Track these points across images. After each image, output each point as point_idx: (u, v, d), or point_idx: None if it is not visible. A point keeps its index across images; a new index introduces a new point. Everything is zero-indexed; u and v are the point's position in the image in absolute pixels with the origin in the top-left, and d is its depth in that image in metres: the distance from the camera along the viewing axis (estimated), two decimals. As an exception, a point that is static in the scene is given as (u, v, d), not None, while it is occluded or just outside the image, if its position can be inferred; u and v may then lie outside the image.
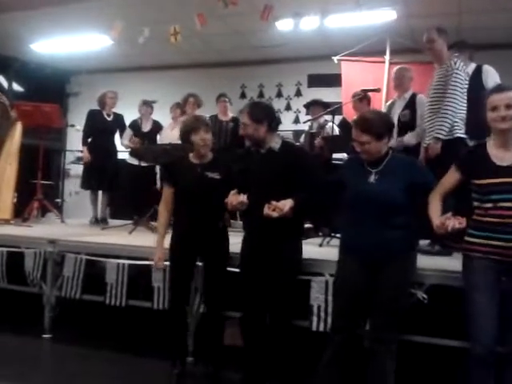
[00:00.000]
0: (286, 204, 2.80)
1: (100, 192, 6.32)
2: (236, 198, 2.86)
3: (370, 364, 2.72)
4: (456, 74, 3.88)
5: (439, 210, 2.60)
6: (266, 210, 2.79)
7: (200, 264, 3.39)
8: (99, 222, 6.18)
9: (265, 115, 3.04)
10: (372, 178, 2.73)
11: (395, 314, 2.69)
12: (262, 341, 3.07)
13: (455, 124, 3.86)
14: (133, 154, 6.12)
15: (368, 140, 2.68)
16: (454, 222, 2.37)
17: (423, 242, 3.87)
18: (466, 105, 3.89)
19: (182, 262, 3.27)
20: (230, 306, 3.37)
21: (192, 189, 3.19)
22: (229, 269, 3.29)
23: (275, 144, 3.06)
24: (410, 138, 4.39)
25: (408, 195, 2.66)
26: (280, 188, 2.91)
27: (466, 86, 3.91)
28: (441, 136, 3.84)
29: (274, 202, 2.79)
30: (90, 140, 6.14)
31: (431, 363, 3.37)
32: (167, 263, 3.37)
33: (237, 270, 3.25)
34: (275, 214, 2.78)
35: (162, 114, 6.49)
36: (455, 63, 3.92)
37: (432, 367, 3.37)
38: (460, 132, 3.88)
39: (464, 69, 3.95)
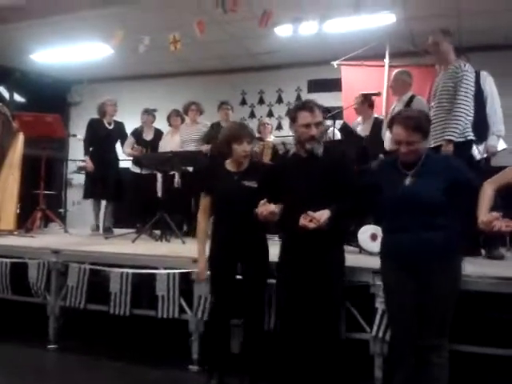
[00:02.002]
0: (323, 215, 2.66)
1: (104, 202, 6.33)
2: (267, 209, 2.75)
3: (422, 374, 2.60)
4: (466, 75, 3.88)
5: (490, 203, 2.48)
6: (302, 221, 2.66)
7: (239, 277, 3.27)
8: (99, 229, 6.18)
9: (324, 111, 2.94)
10: (408, 181, 2.62)
11: (446, 321, 2.58)
12: (305, 354, 2.89)
13: (466, 126, 3.85)
14: (136, 162, 6.14)
15: (418, 139, 2.56)
16: (502, 225, 2.28)
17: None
18: (473, 107, 3.88)
19: (223, 272, 3.20)
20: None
21: (229, 198, 3.12)
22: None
23: (318, 148, 2.89)
24: None
25: (448, 195, 2.55)
26: (321, 195, 2.77)
27: (474, 89, 3.91)
28: (453, 138, 3.83)
29: (310, 213, 2.66)
30: (91, 149, 6.16)
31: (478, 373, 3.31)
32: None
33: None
34: (312, 225, 2.65)
35: (164, 122, 6.50)
36: (464, 65, 3.91)
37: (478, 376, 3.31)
38: (470, 135, 3.88)
39: (472, 71, 3.94)
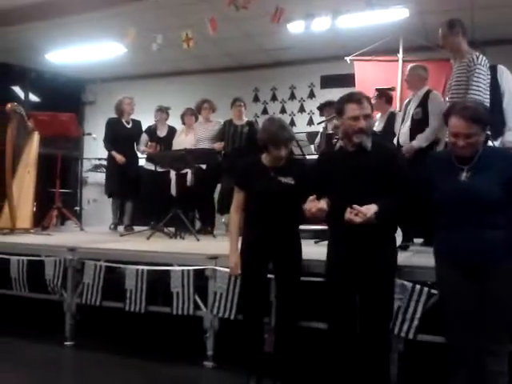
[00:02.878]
0: (370, 209, 2.55)
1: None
2: (315, 205, 2.65)
3: (478, 381, 2.48)
4: (479, 68, 3.81)
5: None
6: (348, 215, 2.57)
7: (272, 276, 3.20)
8: (117, 228, 6.23)
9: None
10: (463, 176, 2.47)
11: (506, 326, 2.46)
12: (355, 352, 2.80)
13: None
14: (149, 159, 6.17)
15: (477, 131, 2.41)
16: None
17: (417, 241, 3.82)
18: (488, 101, 3.82)
19: (255, 270, 3.12)
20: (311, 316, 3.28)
21: (264, 194, 3.04)
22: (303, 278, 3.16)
23: (367, 142, 2.77)
24: (419, 142, 4.31)
25: (507, 192, 2.40)
26: (370, 190, 2.66)
27: (489, 82, 3.85)
28: None
29: (356, 207, 2.56)
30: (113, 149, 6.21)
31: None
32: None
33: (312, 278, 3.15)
34: (358, 220, 2.55)
35: (177, 120, 6.52)
36: (477, 58, 3.85)
37: None
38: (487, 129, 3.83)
39: (486, 63, 3.88)
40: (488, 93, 3.84)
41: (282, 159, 3.07)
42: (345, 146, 2.83)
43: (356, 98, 2.75)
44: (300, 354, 3.14)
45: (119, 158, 6.05)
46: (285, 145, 3.02)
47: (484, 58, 3.89)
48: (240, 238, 3.19)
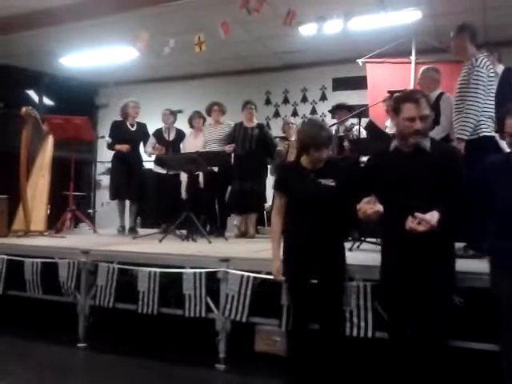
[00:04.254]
0: (434, 216, 2.41)
1: (127, 202, 6.41)
2: (371, 207, 2.54)
3: None
4: (477, 71, 3.80)
5: None
6: (410, 224, 2.43)
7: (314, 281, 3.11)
8: (125, 230, 6.27)
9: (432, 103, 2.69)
10: None
11: None
12: (412, 362, 2.68)
13: (481, 123, 3.78)
14: (158, 162, 6.20)
15: None
16: None
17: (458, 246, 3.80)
18: (492, 103, 3.80)
19: (299, 276, 3.05)
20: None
21: (304, 197, 2.96)
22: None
23: (425, 142, 2.63)
24: (436, 133, 4.30)
25: None
26: (428, 193, 2.53)
27: (492, 84, 3.83)
28: (463, 137, 3.77)
29: (418, 215, 2.41)
30: (114, 152, 6.26)
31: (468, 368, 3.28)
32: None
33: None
34: (421, 228, 2.41)
35: (186, 123, 6.55)
36: (477, 60, 3.83)
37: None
38: (486, 131, 3.79)
39: (487, 66, 3.85)
40: (491, 94, 3.81)
41: (322, 161, 3.00)
42: (400, 146, 2.70)
43: (413, 98, 2.60)
44: (343, 361, 3.06)
45: (125, 147, 6.09)
46: (326, 146, 2.96)
47: (485, 60, 3.86)
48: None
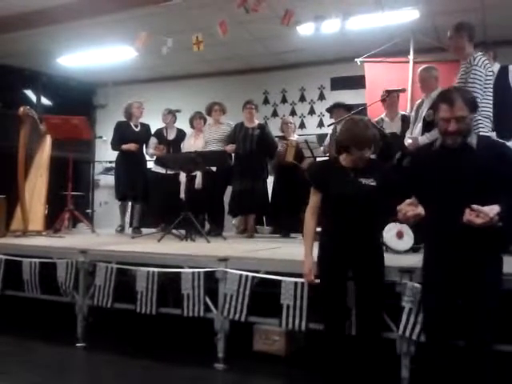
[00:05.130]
0: (493, 209, 2.30)
1: (130, 202, 6.41)
2: (412, 209, 2.46)
3: None
4: (474, 70, 3.81)
5: None
6: (468, 216, 2.32)
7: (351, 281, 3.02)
8: (124, 230, 6.26)
9: (475, 103, 2.60)
10: None
11: None
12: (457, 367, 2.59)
13: (478, 122, 3.78)
14: (159, 162, 6.20)
15: None
16: None
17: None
18: (489, 102, 3.81)
19: (334, 278, 2.94)
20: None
21: (343, 196, 2.86)
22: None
23: (471, 139, 2.55)
24: (425, 139, 4.30)
25: None
26: (477, 191, 2.42)
27: (489, 83, 3.84)
28: None
29: (476, 207, 2.31)
30: (119, 152, 6.25)
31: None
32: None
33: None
34: (479, 221, 2.30)
35: (187, 123, 6.55)
36: (474, 59, 3.84)
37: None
38: (483, 130, 3.80)
39: (485, 64, 3.85)
40: (488, 93, 3.81)
41: (363, 161, 2.90)
42: (444, 143, 2.60)
43: (448, 99, 2.52)
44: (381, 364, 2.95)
45: (133, 146, 6.09)
46: (368, 146, 2.86)
47: (483, 59, 3.87)
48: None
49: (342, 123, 3.05)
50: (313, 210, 3.02)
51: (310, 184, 3.06)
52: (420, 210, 2.45)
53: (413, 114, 4.78)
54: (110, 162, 8.53)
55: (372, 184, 2.84)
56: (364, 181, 2.85)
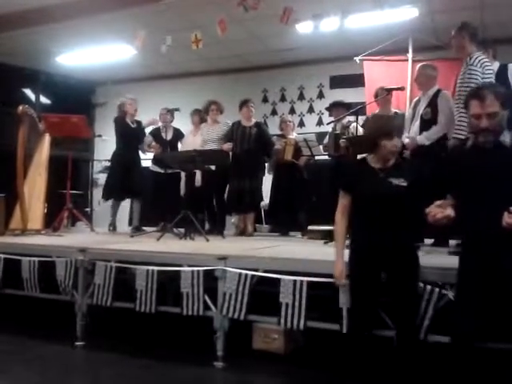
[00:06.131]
0: None
1: (128, 200, 6.40)
2: (442, 211, 2.41)
3: None
4: (470, 69, 3.82)
5: None
6: (507, 219, 2.27)
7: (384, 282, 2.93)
8: (116, 229, 6.25)
9: (506, 98, 2.50)
10: None
11: None
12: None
13: None
14: (156, 161, 6.20)
15: None
16: None
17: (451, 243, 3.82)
18: None
19: (365, 281, 2.86)
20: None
21: (374, 197, 2.78)
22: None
23: (504, 137, 2.49)
24: (423, 139, 4.30)
25: None
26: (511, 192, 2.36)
27: (488, 81, 3.83)
28: (460, 136, 3.79)
29: None
30: (116, 148, 6.24)
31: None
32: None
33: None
34: None
35: (185, 122, 6.55)
36: (470, 59, 3.85)
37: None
38: None
39: (482, 63, 3.85)
40: None
41: (394, 155, 2.84)
42: (477, 143, 2.54)
43: (479, 94, 2.47)
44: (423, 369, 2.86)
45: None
46: (398, 133, 2.81)
47: (480, 58, 3.86)
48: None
49: (365, 122, 3.02)
50: (342, 212, 2.95)
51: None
52: (449, 211, 2.40)
53: (410, 111, 4.78)
54: (109, 160, 8.53)
55: (403, 184, 2.77)
56: (394, 181, 2.78)
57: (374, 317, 2.97)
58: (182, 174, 6.10)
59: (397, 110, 5.28)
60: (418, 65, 4.87)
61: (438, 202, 2.44)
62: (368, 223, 2.83)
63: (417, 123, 4.44)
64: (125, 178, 6.08)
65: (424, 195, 2.58)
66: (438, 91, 4.51)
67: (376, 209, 2.77)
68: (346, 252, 2.98)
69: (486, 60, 3.89)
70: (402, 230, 2.78)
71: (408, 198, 2.70)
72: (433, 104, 4.40)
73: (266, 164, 6.24)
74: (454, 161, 2.73)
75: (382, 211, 2.75)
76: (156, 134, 6.31)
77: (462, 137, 3.79)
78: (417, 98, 4.80)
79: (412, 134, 4.43)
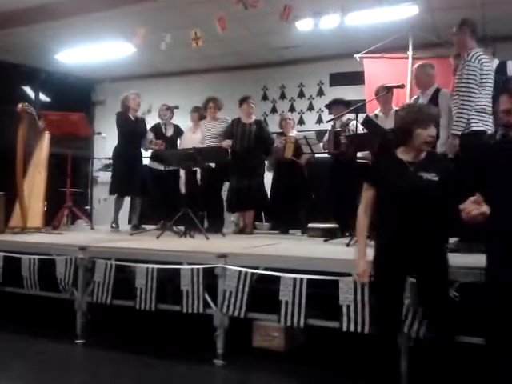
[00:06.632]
0: None
1: (129, 198, 6.39)
2: (477, 207, 2.28)
3: None
4: (468, 65, 3.81)
5: None
6: None
7: (413, 280, 2.83)
8: (119, 227, 6.25)
9: None
10: None
11: None
12: None
13: (471, 117, 3.78)
14: (156, 158, 6.18)
15: None
16: None
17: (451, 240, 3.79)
18: (486, 97, 3.81)
19: (391, 280, 2.71)
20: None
21: (402, 192, 2.62)
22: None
23: None
24: (442, 148, 4.30)
25: None
26: None
27: (486, 78, 3.83)
28: (457, 132, 3.79)
29: None
30: (117, 144, 6.22)
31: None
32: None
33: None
34: None
35: (185, 119, 6.54)
36: (468, 55, 3.84)
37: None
38: (476, 125, 3.79)
39: (480, 59, 3.84)
40: (486, 89, 3.81)
41: (429, 146, 2.69)
42: (506, 137, 2.51)
43: (508, 90, 2.44)
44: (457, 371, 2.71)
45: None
46: (434, 120, 2.66)
47: (478, 54, 3.85)
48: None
49: (397, 112, 2.94)
50: (365, 208, 2.80)
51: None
52: (485, 208, 2.28)
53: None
54: (109, 158, 8.53)
55: (434, 179, 2.60)
56: (425, 175, 2.61)
57: (401, 317, 2.87)
58: (182, 172, 6.09)
59: (397, 109, 5.27)
60: (416, 64, 4.86)
61: (472, 198, 2.31)
62: (396, 220, 2.65)
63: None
64: (128, 174, 6.06)
65: (456, 191, 2.46)
66: (438, 90, 4.51)
67: (405, 203, 2.61)
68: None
69: (485, 56, 3.88)
70: (432, 228, 2.63)
71: (439, 193, 2.56)
72: (433, 103, 4.39)
73: (266, 162, 6.23)
74: (484, 156, 2.64)
75: (411, 206, 2.59)
76: (156, 130, 6.30)
77: (459, 133, 3.79)
78: (415, 97, 4.80)
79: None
